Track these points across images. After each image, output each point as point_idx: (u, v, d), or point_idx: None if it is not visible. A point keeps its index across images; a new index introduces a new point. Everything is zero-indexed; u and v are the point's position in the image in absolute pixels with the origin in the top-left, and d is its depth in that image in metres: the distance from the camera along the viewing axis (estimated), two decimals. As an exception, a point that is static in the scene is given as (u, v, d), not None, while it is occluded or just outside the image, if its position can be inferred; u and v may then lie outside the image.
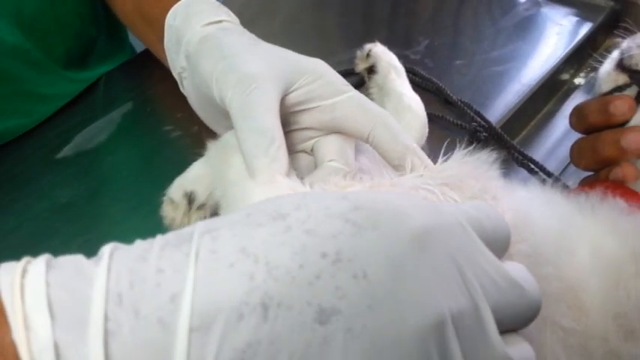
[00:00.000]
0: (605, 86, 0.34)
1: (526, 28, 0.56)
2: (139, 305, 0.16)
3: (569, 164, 0.44)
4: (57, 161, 0.49)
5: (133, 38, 0.62)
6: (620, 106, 0.32)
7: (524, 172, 0.44)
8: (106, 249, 0.19)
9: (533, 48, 0.54)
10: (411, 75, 0.50)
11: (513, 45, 0.55)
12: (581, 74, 0.55)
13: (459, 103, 0.47)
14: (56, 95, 0.51)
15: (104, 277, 0.17)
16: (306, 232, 0.18)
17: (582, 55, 0.55)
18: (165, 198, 0.40)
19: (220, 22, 0.39)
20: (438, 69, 0.53)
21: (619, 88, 0.33)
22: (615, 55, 0.34)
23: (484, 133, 0.44)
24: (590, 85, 0.54)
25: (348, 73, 0.52)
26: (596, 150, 0.32)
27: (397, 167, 0.33)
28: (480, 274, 0.19)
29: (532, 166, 0.42)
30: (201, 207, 0.39)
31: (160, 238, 0.19)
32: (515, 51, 0.54)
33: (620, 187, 0.29)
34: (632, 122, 0.32)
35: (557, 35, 0.55)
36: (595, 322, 0.24)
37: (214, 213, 0.39)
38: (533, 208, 0.27)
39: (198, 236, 0.18)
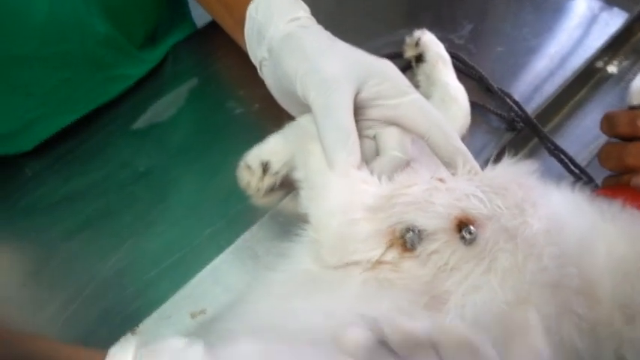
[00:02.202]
0: (636, 100, 0.38)
1: (565, 15, 0.59)
2: None
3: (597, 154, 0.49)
4: (133, 132, 0.55)
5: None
6: (646, 121, 0.36)
7: (554, 161, 0.49)
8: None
9: (570, 36, 0.57)
10: (454, 61, 0.54)
11: (552, 32, 0.58)
12: (615, 62, 0.58)
13: (500, 92, 0.52)
14: (130, 75, 0.56)
15: None
16: None
17: (617, 44, 0.58)
18: (242, 163, 0.46)
19: (299, 18, 0.43)
20: (481, 55, 0.57)
21: (648, 104, 0.37)
22: (648, 70, 0.38)
23: (521, 124, 0.49)
24: (622, 74, 0.58)
25: (395, 56, 0.56)
26: (622, 158, 0.37)
27: (447, 164, 0.39)
28: None
29: (562, 156, 0.47)
30: (274, 175, 0.45)
31: None
32: (553, 39, 0.57)
33: (638, 199, 0.35)
34: (657, 137, 0.36)
35: (594, 25, 0.58)
36: (604, 310, 0.31)
37: (284, 181, 0.46)
38: (564, 215, 0.33)
39: None
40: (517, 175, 0.34)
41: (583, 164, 0.50)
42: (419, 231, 0.32)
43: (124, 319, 0.41)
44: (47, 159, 0.53)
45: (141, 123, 0.56)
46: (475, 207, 0.32)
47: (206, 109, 0.56)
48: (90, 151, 0.54)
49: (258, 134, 0.47)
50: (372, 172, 0.38)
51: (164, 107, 0.57)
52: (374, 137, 0.42)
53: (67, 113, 0.54)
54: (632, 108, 0.39)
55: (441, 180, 0.35)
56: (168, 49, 0.61)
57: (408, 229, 0.33)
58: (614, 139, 0.40)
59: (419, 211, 0.33)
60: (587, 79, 0.57)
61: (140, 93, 0.58)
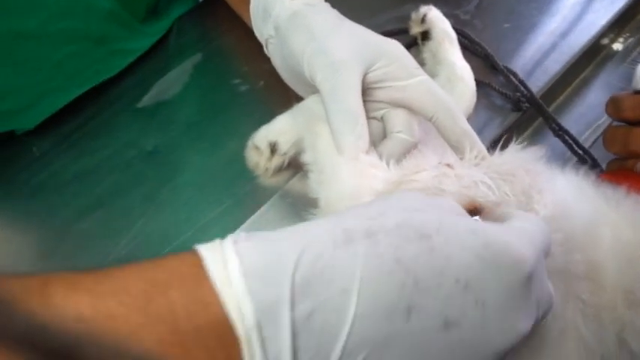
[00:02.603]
0: (641, 85, 0.39)
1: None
2: (320, 291, 0.21)
3: (601, 134, 0.50)
4: (139, 110, 0.55)
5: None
6: (652, 107, 0.37)
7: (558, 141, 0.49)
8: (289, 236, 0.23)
9: (576, 13, 0.57)
10: (460, 37, 0.54)
11: (558, 9, 0.58)
12: (620, 39, 0.58)
13: (505, 70, 0.52)
14: (134, 49, 0.56)
15: (292, 269, 0.22)
16: (445, 257, 0.23)
17: (623, 21, 0.58)
18: (250, 143, 0.47)
19: None
20: (487, 31, 0.57)
21: (653, 89, 0.38)
22: (655, 55, 0.39)
23: (526, 104, 0.49)
24: (627, 52, 0.57)
25: (400, 32, 0.56)
26: (627, 142, 0.38)
27: (454, 147, 0.39)
28: (541, 294, 0.26)
29: (567, 137, 0.47)
30: (282, 155, 0.46)
31: (331, 231, 0.23)
32: (559, 15, 0.57)
33: (642, 185, 0.35)
34: (661, 123, 0.37)
35: (600, 1, 0.57)
36: (608, 295, 0.32)
37: (292, 162, 0.46)
38: (569, 201, 0.33)
39: (361, 239, 0.23)
40: (524, 162, 0.35)
41: (587, 143, 0.50)
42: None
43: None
44: (53, 138, 0.53)
45: (146, 100, 0.56)
46: (484, 194, 0.33)
47: (211, 86, 0.56)
48: (96, 130, 0.54)
49: (264, 113, 0.47)
50: (380, 156, 0.39)
51: (169, 84, 0.56)
52: (381, 118, 0.42)
53: (72, 88, 0.54)
54: (638, 92, 0.39)
55: (449, 166, 0.36)
56: (172, 23, 0.60)
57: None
58: (619, 122, 0.41)
59: (428, 197, 0.33)
60: (593, 56, 0.57)
61: (144, 68, 0.58)
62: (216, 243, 0.23)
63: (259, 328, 0.21)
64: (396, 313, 0.22)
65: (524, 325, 0.25)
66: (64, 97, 0.54)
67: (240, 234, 0.24)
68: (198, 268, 0.22)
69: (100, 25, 0.51)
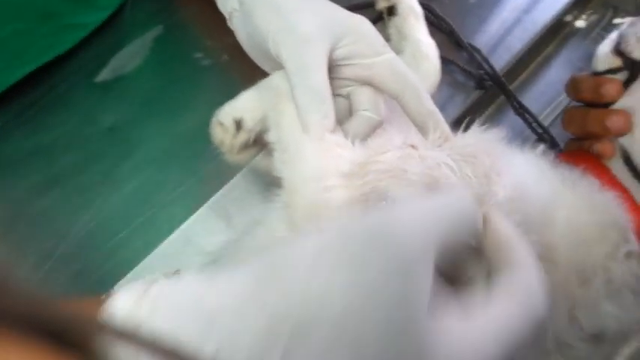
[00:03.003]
0: (601, 66, 0.39)
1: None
2: None
3: (561, 114, 0.51)
4: (96, 84, 0.53)
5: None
6: (610, 89, 0.37)
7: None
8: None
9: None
10: (426, 12, 0.54)
11: (524, -16, 0.58)
12: (583, 16, 0.59)
13: (469, 48, 0.52)
14: (86, 23, 0.53)
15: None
16: None
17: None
18: (214, 120, 0.45)
19: None
20: (453, 6, 0.56)
21: (612, 71, 0.38)
22: (614, 36, 0.39)
23: (489, 82, 0.50)
24: (589, 29, 0.58)
25: (366, 6, 0.55)
26: (584, 124, 0.39)
27: (419, 126, 0.39)
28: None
29: (527, 116, 0.48)
30: (247, 132, 0.45)
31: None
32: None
33: (597, 167, 0.36)
34: (618, 105, 0.38)
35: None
36: (561, 274, 0.33)
37: (257, 139, 0.45)
38: (528, 183, 0.34)
39: None
40: (486, 143, 0.35)
41: (548, 120, 0.51)
42: (392, 199, 0.33)
43: (97, 281, 0.41)
44: (6, 113, 0.51)
45: (104, 74, 0.54)
46: (446, 175, 0.33)
47: (172, 60, 0.54)
48: (52, 105, 0.52)
49: (228, 88, 0.46)
50: (345, 135, 0.38)
51: (128, 57, 0.54)
52: (347, 95, 0.42)
53: (20, 66, 0.51)
54: (597, 74, 0.40)
55: (413, 146, 0.36)
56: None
57: (381, 197, 0.34)
58: (578, 103, 0.41)
59: (392, 179, 0.34)
60: (556, 33, 0.57)
61: (102, 40, 0.55)
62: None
63: None
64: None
65: None
66: (11, 76, 0.51)
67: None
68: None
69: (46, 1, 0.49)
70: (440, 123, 0.38)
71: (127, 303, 0.24)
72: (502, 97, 0.52)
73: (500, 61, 0.52)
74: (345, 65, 0.40)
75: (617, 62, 0.38)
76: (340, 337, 0.22)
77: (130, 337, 0.20)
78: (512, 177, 0.34)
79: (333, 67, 0.40)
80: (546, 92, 0.54)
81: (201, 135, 0.47)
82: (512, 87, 0.51)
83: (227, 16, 0.46)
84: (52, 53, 0.52)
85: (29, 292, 0.19)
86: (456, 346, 0.23)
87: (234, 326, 0.22)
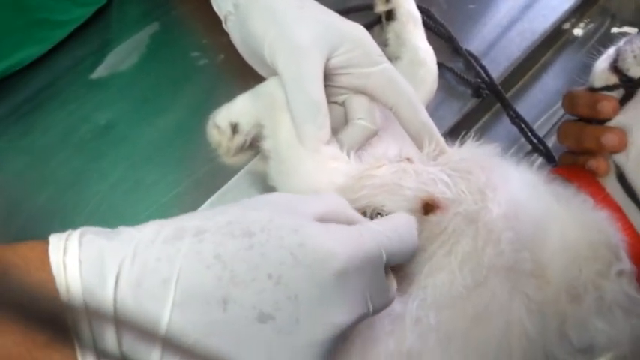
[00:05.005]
0: (598, 82, 0.39)
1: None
2: (141, 280, 0.24)
3: (556, 123, 0.51)
4: (93, 82, 0.53)
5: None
6: (606, 106, 0.38)
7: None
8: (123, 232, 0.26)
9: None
10: (425, 17, 0.54)
11: (523, -10, 0.58)
12: (581, 24, 0.59)
13: (467, 55, 0.52)
14: (69, 20, 0.52)
15: (120, 258, 0.24)
16: (261, 254, 0.25)
17: (585, 6, 0.58)
18: (211, 123, 0.45)
19: None
20: (452, 11, 0.56)
21: (608, 88, 0.39)
22: (611, 52, 0.39)
23: (486, 91, 0.50)
24: (587, 37, 0.58)
25: (365, 8, 0.55)
26: (580, 139, 0.39)
27: (413, 138, 0.40)
28: (372, 290, 0.27)
29: (523, 126, 0.48)
30: (244, 135, 0.45)
31: (164, 230, 0.25)
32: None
33: (591, 185, 0.37)
34: (613, 122, 0.38)
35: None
36: (552, 290, 0.33)
37: (254, 141, 0.45)
38: (521, 200, 0.35)
39: (189, 236, 0.25)
40: (481, 159, 0.35)
41: (543, 129, 0.52)
42: (387, 214, 0.33)
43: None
44: (3, 109, 0.51)
45: (101, 71, 0.53)
46: (441, 191, 0.33)
47: (168, 59, 0.54)
48: (47, 102, 0.51)
49: (224, 88, 0.46)
50: (341, 144, 0.38)
51: (124, 55, 0.54)
52: (343, 103, 0.42)
53: None
54: (593, 90, 0.40)
55: (408, 160, 0.36)
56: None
57: (376, 212, 0.34)
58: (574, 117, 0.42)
59: (387, 194, 0.34)
60: (553, 41, 0.57)
61: (98, 37, 0.54)
62: (67, 233, 0.26)
63: (86, 308, 0.23)
64: (213, 304, 0.24)
65: (343, 318, 0.26)
66: None
67: (90, 228, 0.27)
68: (45, 254, 0.25)
69: None
70: (434, 136, 0.39)
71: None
72: (498, 106, 0.52)
73: (498, 69, 0.52)
74: (341, 74, 0.40)
75: (613, 79, 0.38)
76: None
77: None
78: (507, 194, 0.35)
79: (328, 75, 0.40)
80: (542, 100, 0.54)
81: (199, 136, 0.47)
82: (508, 94, 0.51)
83: (222, 19, 0.46)
84: (26, 51, 0.50)
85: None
86: None
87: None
